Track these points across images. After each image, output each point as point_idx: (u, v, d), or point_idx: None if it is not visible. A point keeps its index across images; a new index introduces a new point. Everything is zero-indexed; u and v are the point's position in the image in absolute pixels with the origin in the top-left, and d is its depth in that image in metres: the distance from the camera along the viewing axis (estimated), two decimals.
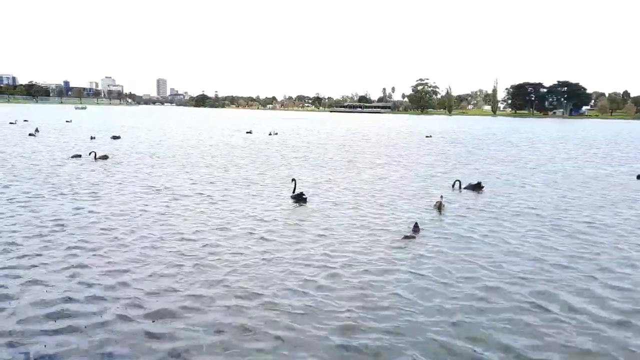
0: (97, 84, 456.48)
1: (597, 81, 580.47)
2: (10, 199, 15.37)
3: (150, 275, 9.16)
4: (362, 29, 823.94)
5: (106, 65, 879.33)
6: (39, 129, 46.94)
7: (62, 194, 16.56)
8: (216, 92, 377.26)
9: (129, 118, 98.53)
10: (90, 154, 27.22)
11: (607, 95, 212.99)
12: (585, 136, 66.60)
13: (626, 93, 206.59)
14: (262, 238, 11.79)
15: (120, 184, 18.99)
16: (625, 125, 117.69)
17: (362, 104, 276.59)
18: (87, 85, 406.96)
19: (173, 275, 9.22)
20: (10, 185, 17.94)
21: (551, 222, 14.17)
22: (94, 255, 10.21)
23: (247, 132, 56.71)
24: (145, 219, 13.39)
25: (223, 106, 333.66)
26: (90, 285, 8.59)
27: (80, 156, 27.03)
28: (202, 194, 17.26)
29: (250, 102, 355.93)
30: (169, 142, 40.70)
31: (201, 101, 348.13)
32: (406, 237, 12.01)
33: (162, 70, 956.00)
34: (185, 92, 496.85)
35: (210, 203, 15.74)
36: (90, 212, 13.98)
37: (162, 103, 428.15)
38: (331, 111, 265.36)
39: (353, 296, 8.45)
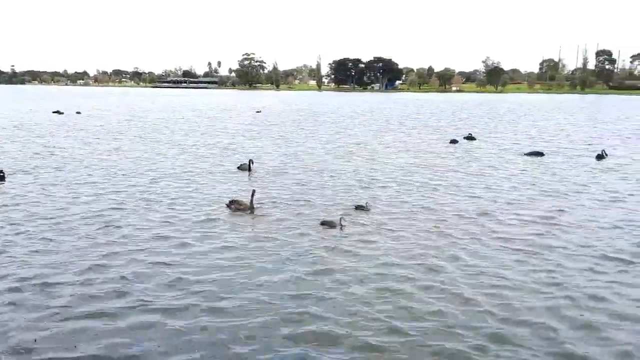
0: None
1: (407, 57, 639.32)
2: None
3: None
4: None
5: None
6: None
7: None
8: (12, 66, 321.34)
9: None
10: None
11: (415, 70, 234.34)
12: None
13: (431, 68, 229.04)
14: None
15: None
16: (426, 97, 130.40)
17: (187, 79, 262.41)
18: None
19: None
20: None
21: None
22: None
23: (55, 112, 50.31)
24: None
25: (23, 82, 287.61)
26: None
27: None
28: None
29: (56, 78, 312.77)
30: None
31: None
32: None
33: None
34: None
35: None
36: None
37: None
38: (154, 87, 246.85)
39: None
